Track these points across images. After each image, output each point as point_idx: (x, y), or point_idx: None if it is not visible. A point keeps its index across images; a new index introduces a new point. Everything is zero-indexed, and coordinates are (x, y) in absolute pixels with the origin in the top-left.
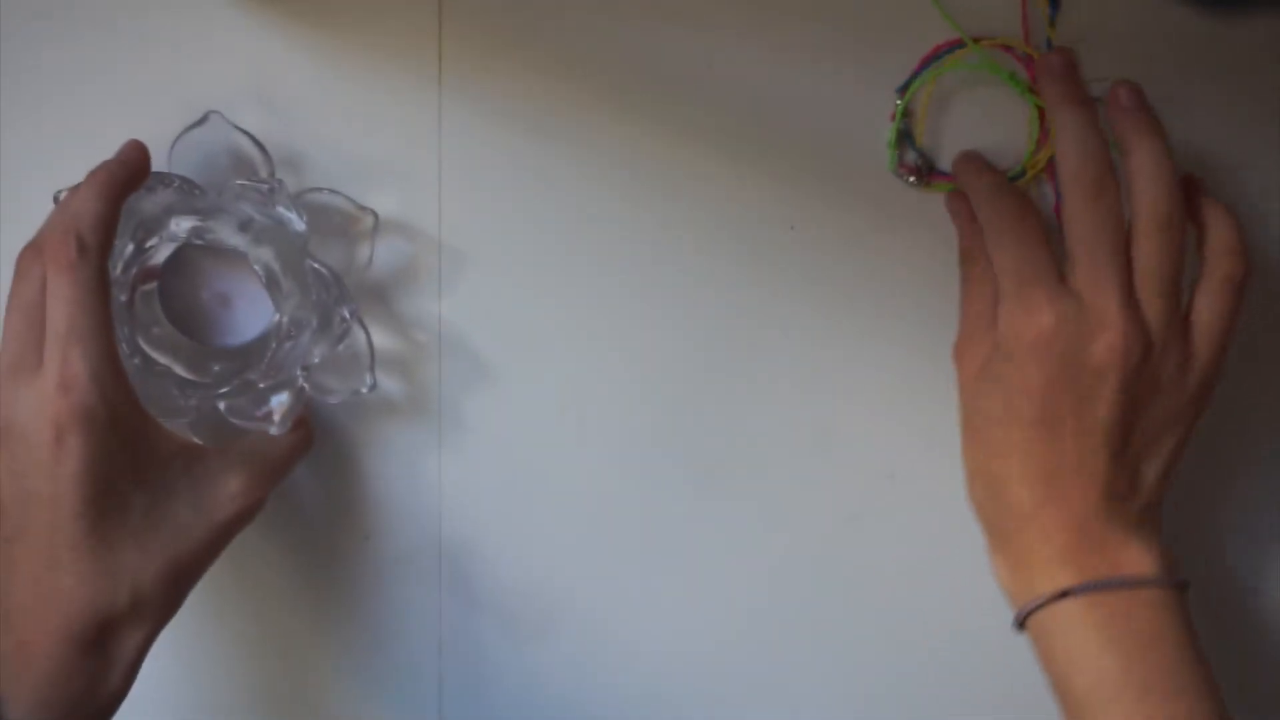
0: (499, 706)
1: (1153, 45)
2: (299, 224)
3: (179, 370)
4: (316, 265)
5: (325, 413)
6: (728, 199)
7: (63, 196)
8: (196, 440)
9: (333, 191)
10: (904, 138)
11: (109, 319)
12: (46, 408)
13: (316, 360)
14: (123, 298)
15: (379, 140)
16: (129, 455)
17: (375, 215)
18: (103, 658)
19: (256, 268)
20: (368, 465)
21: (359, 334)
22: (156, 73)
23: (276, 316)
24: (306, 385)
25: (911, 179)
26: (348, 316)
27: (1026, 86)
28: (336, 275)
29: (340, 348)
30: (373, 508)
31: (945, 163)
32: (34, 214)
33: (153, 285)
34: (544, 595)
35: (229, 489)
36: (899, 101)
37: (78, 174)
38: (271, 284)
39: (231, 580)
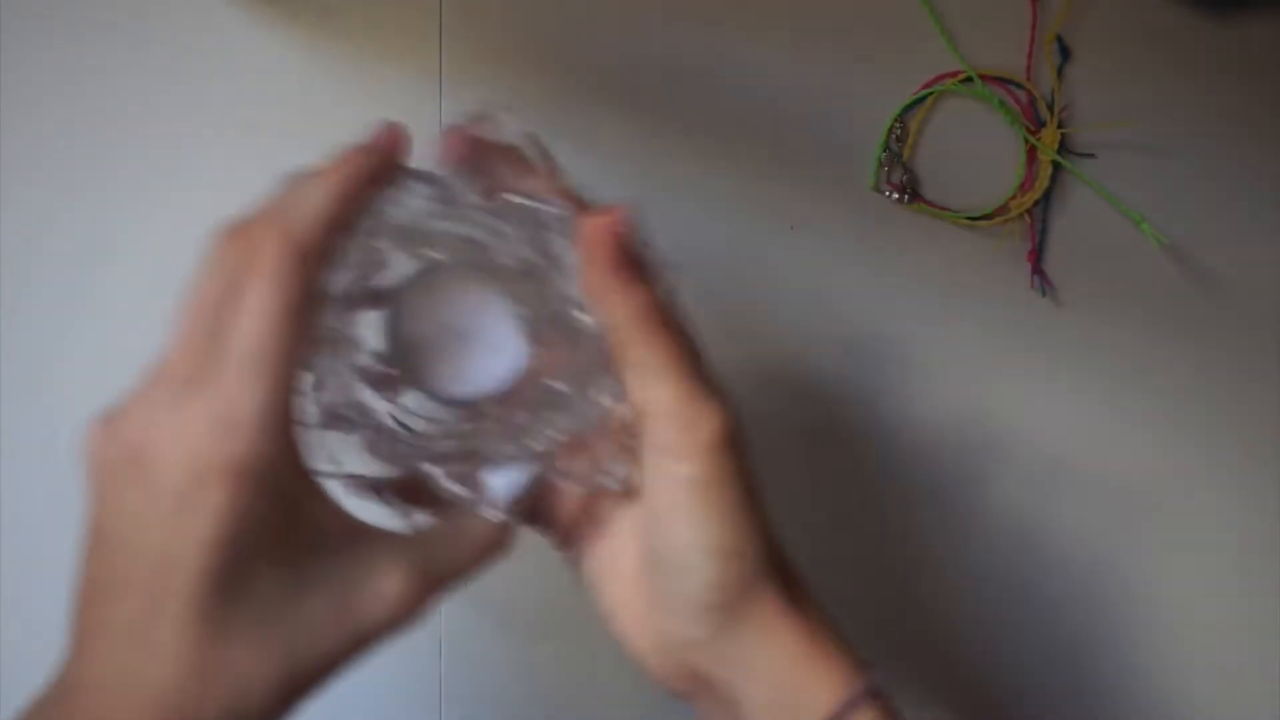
0: (499, 706)
1: (1153, 45)
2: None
3: (387, 416)
4: (584, 319)
5: None
6: (728, 199)
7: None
8: (358, 518)
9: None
10: (893, 157)
11: (302, 351)
12: (196, 444)
13: (564, 438)
14: (333, 322)
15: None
16: (277, 526)
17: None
18: None
19: (520, 310)
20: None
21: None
22: (157, 73)
23: (527, 371)
24: (543, 465)
25: (896, 196)
26: (611, 391)
27: (1021, 122)
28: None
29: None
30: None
31: (931, 186)
32: (34, 213)
33: (374, 311)
34: (544, 595)
35: (383, 588)
36: (889, 121)
37: (77, 173)
38: (534, 333)
39: None
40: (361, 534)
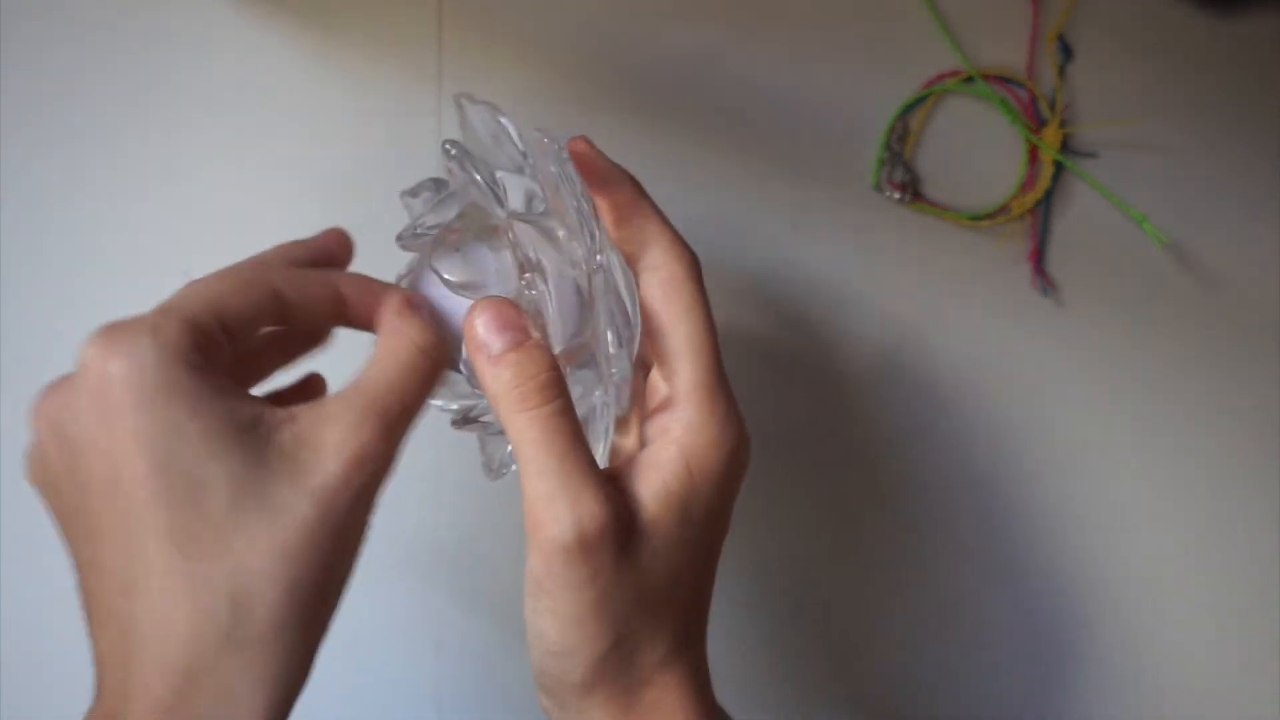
0: (498, 706)
1: (1155, 44)
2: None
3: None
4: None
5: None
6: (729, 200)
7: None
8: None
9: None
10: (895, 156)
11: (250, 280)
12: (94, 344)
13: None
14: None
15: (379, 140)
16: (194, 422)
17: None
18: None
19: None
20: None
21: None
22: (157, 73)
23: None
24: None
25: (897, 196)
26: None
27: (1022, 121)
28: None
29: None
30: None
31: (932, 185)
32: (34, 213)
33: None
34: None
35: (327, 441)
36: (890, 121)
37: (77, 173)
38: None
39: None
40: (291, 414)
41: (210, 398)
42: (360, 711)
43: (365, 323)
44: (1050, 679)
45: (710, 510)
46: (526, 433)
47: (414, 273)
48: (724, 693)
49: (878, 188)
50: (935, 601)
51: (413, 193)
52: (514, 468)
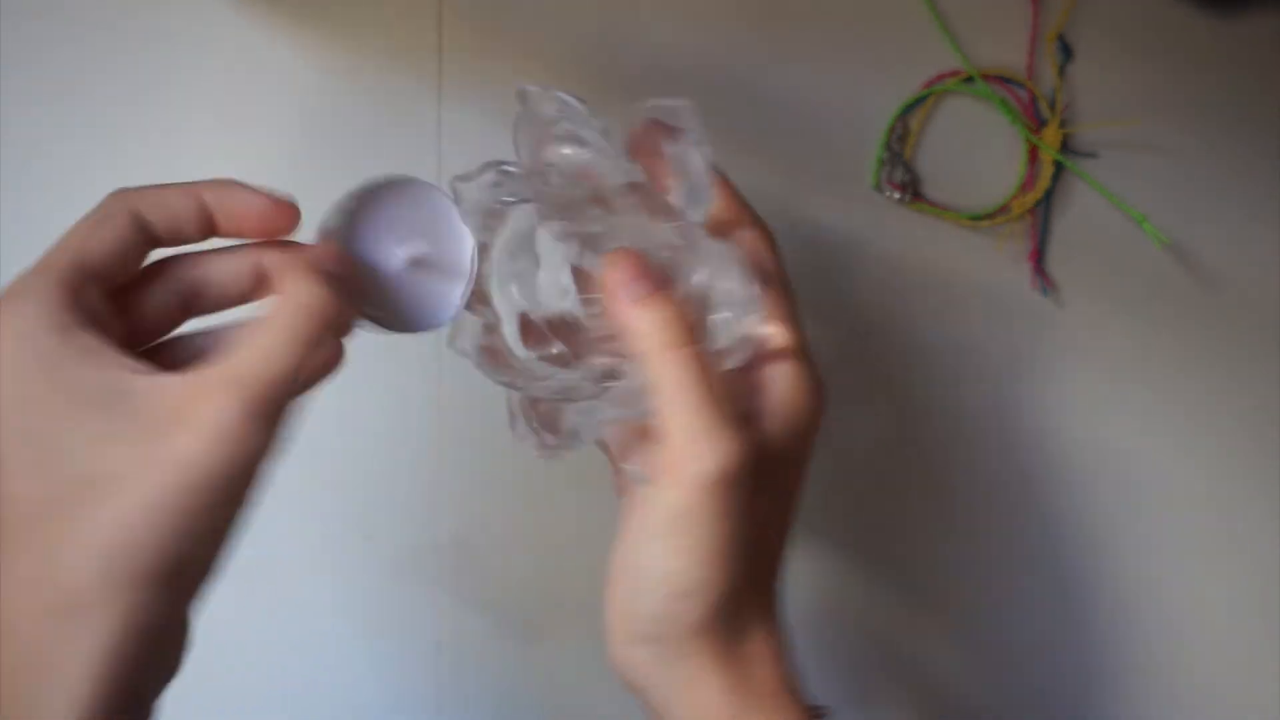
0: (499, 706)
1: (1155, 44)
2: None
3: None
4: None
5: (324, 414)
6: None
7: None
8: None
9: None
10: (894, 156)
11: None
12: None
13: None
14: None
15: (379, 140)
16: (55, 395)
17: None
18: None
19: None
20: (369, 466)
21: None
22: (157, 73)
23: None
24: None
25: (897, 195)
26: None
27: (1022, 121)
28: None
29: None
30: (373, 509)
31: (932, 185)
32: (34, 213)
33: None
34: (544, 595)
35: (189, 416)
36: (890, 120)
37: (76, 173)
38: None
39: (231, 580)
40: (160, 383)
41: (75, 365)
42: (360, 711)
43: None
44: (1049, 681)
45: (802, 461)
46: (676, 370)
47: (340, 229)
48: None
49: (878, 188)
50: (932, 601)
51: (466, 177)
52: (577, 441)
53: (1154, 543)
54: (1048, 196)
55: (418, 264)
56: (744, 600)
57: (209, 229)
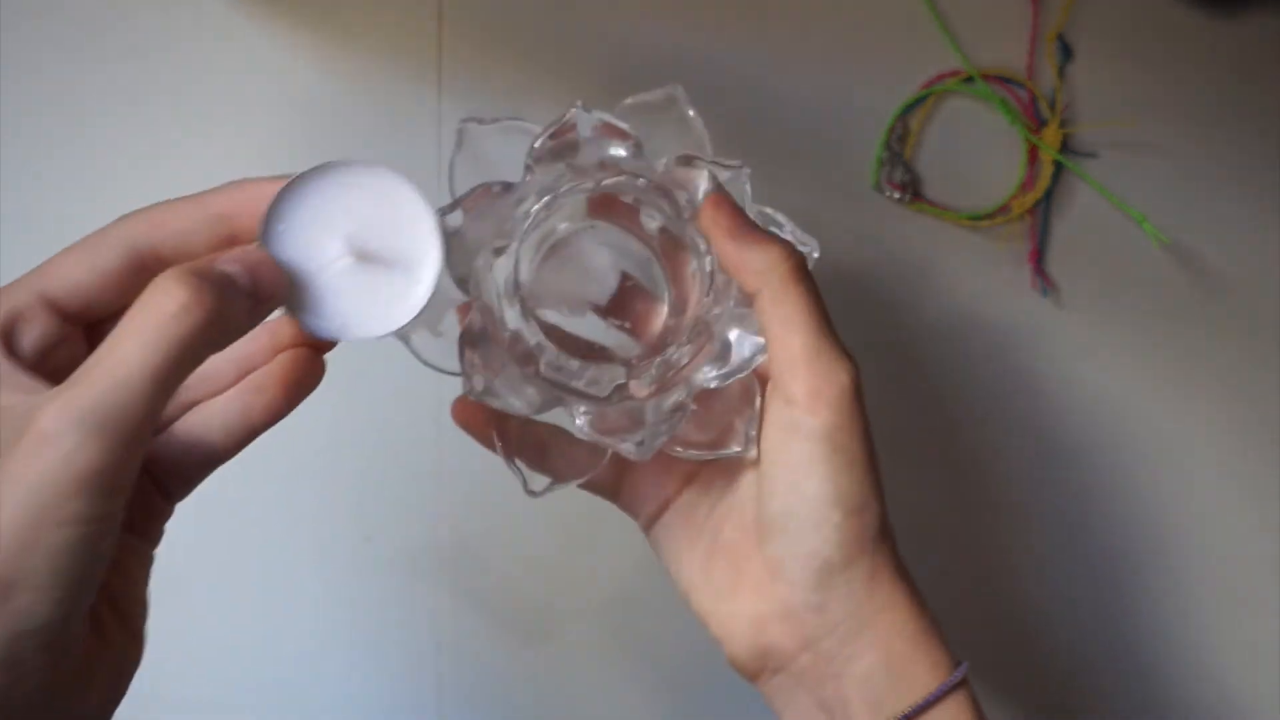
0: (499, 707)
1: (1155, 44)
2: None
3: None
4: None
5: (323, 413)
6: None
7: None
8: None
9: None
10: (894, 156)
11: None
12: None
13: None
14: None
15: (379, 140)
16: None
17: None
18: None
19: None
20: (368, 466)
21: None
22: (156, 73)
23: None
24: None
25: (897, 195)
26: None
27: (1022, 121)
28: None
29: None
30: (373, 509)
31: (932, 185)
32: (35, 213)
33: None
34: (544, 595)
35: (25, 441)
36: (890, 120)
37: (75, 173)
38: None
39: (232, 580)
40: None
41: None
42: (360, 711)
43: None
44: (1045, 680)
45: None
46: (803, 301)
47: (266, 226)
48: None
49: (878, 188)
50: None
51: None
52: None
53: (1154, 542)
54: (1048, 196)
55: (366, 259)
56: (883, 516)
57: (225, 239)
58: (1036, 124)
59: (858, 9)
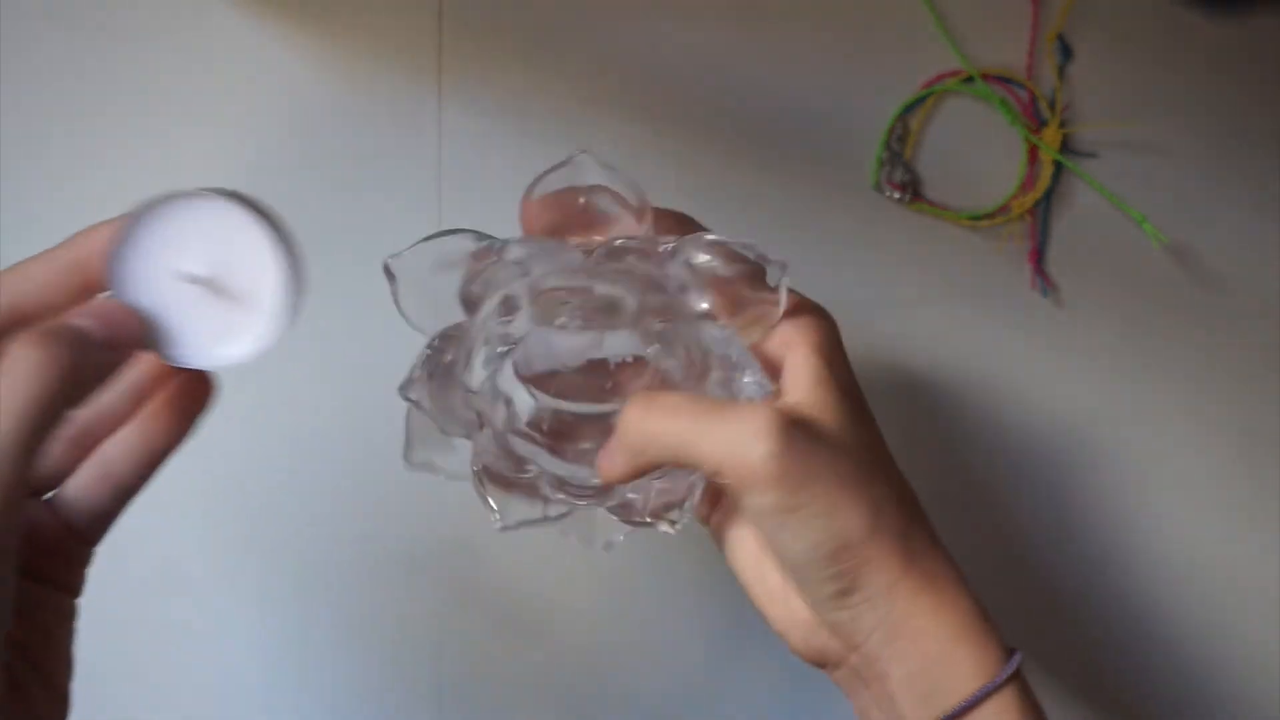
0: (499, 707)
1: (1154, 44)
2: (699, 293)
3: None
4: (719, 338)
5: (323, 413)
6: (728, 200)
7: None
8: None
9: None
10: (894, 157)
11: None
12: None
13: None
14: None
15: (379, 140)
16: None
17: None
18: None
19: (655, 348)
20: (368, 466)
21: None
22: (157, 74)
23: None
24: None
25: (897, 195)
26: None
27: (1022, 121)
28: (743, 350)
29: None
30: (373, 508)
31: (932, 185)
32: (34, 213)
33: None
34: (544, 595)
35: None
36: (890, 121)
37: (75, 174)
38: (671, 364)
39: (232, 580)
40: None
41: None
42: (360, 711)
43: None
44: (1043, 678)
45: (855, 385)
46: (671, 411)
47: (111, 256)
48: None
49: (878, 188)
50: None
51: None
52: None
53: (1155, 541)
54: (1047, 196)
55: (213, 288)
56: (899, 520)
57: (85, 288)
58: (1036, 124)
59: (858, 9)
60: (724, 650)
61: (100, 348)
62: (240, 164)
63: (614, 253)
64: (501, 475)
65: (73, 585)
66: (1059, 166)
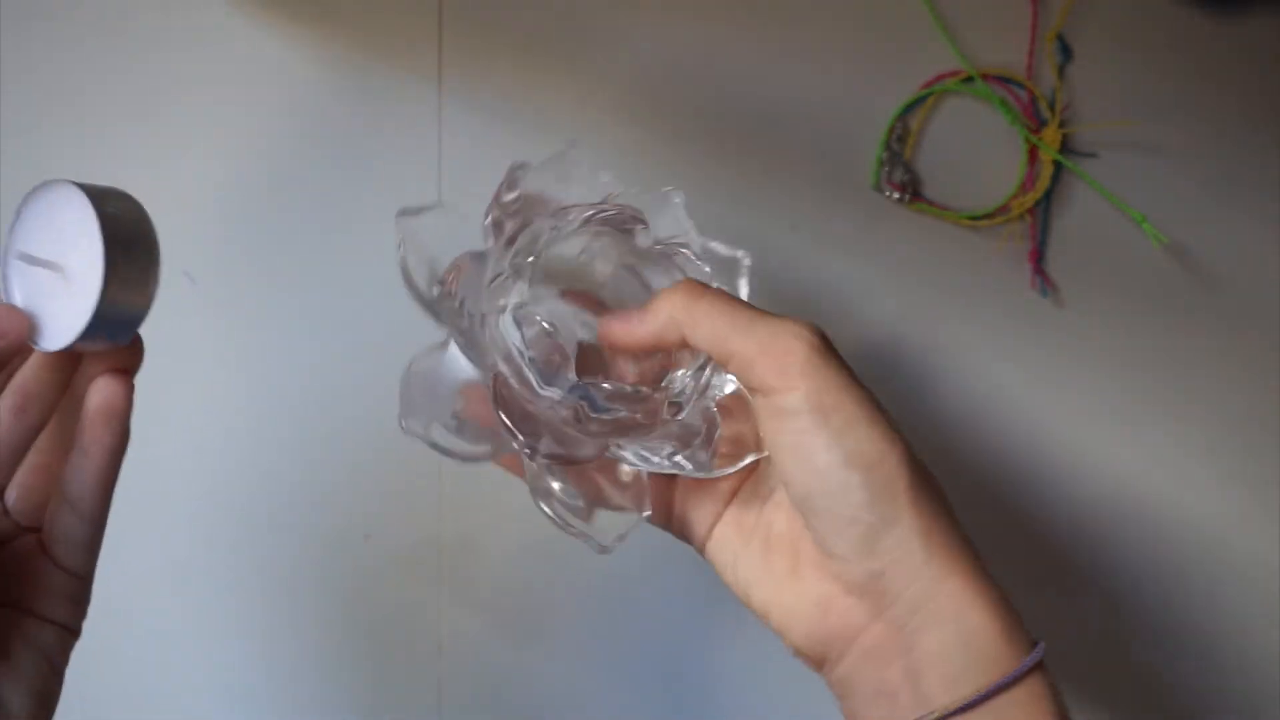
0: (499, 707)
1: (1154, 44)
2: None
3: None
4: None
5: (323, 413)
6: (728, 200)
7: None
8: None
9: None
10: (894, 157)
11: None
12: None
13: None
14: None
15: (379, 140)
16: None
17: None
18: None
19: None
20: (368, 465)
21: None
22: (157, 74)
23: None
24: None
25: (897, 195)
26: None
27: (1022, 121)
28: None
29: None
30: (373, 508)
31: (932, 185)
32: None
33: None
34: (544, 595)
35: None
36: (890, 121)
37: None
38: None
39: (232, 580)
40: None
41: None
42: (361, 711)
43: None
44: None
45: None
46: (714, 306)
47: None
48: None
49: (878, 188)
50: None
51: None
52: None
53: (1153, 540)
54: (1047, 196)
55: (55, 271)
56: (921, 469)
57: None
58: (1036, 124)
59: (858, 9)
60: (724, 650)
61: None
62: (241, 161)
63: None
64: (565, 455)
65: (64, 618)
66: (1059, 166)
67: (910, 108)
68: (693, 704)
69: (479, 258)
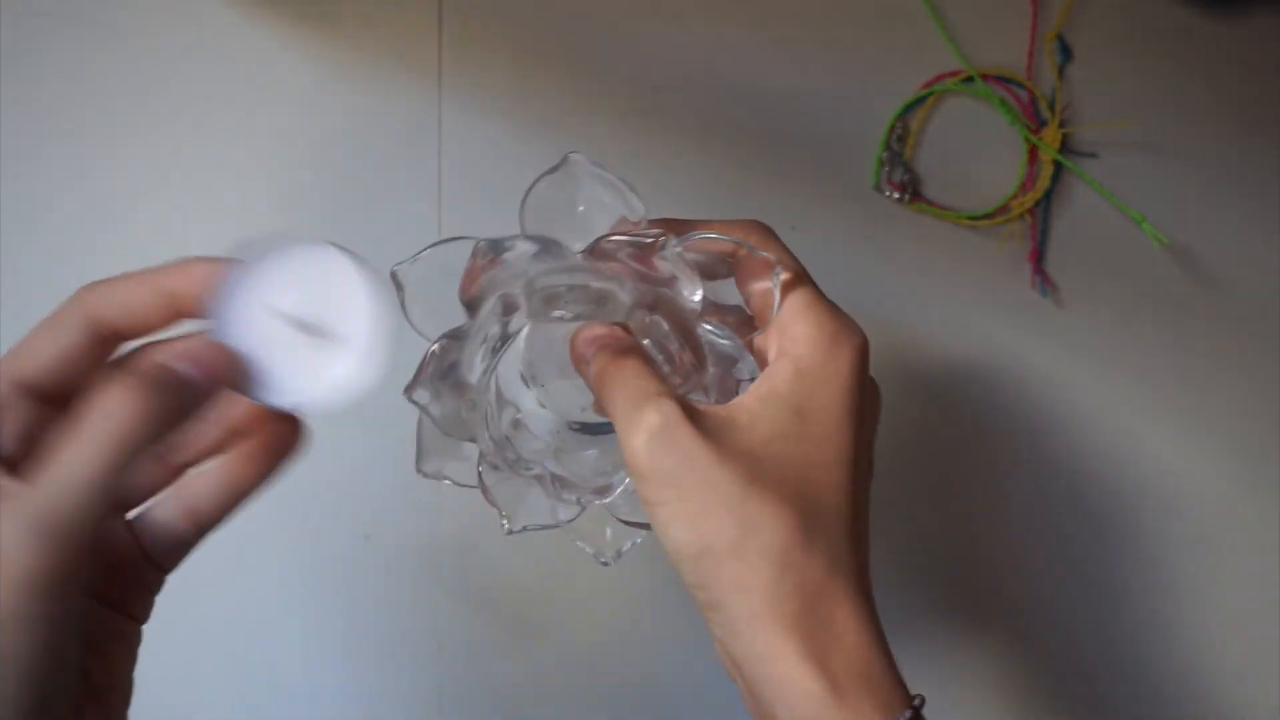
0: (499, 707)
1: (1154, 44)
2: (692, 287)
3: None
4: (713, 332)
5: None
6: (728, 200)
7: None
8: None
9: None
10: (894, 157)
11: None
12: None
13: None
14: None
15: (379, 141)
16: None
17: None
18: None
19: (646, 343)
20: (368, 465)
21: None
22: (157, 75)
23: None
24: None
25: (897, 195)
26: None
27: (1022, 121)
28: (738, 345)
29: None
30: (373, 508)
31: (932, 185)
32: (34, 214)
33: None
34: (544, 595)
35: None
36: (890, 121)
37: (76, 173)
38: (667, 361)
39: (232, 580)
40: None
41: None
42: (361, 711)
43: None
44: (1054, 680)
45: (830, 409)
46: (609, 387)
47: (214, 302)
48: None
49: (878, 188)
50: (930, 599)
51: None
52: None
53: (1154, 540)
54: (1047, 196)
55: (311, 334)
56: (827, 550)
57: (174, 315)
58: (1036, 124)
59: (858, 9)
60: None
61: (193, 390)
62: (239, 164)
63: (608, 249)
64: (505, 476)
65: (140, 612)
66: (1059, 166)
67: (910, 108)
68: (693, 704)
69: (455, 338)
